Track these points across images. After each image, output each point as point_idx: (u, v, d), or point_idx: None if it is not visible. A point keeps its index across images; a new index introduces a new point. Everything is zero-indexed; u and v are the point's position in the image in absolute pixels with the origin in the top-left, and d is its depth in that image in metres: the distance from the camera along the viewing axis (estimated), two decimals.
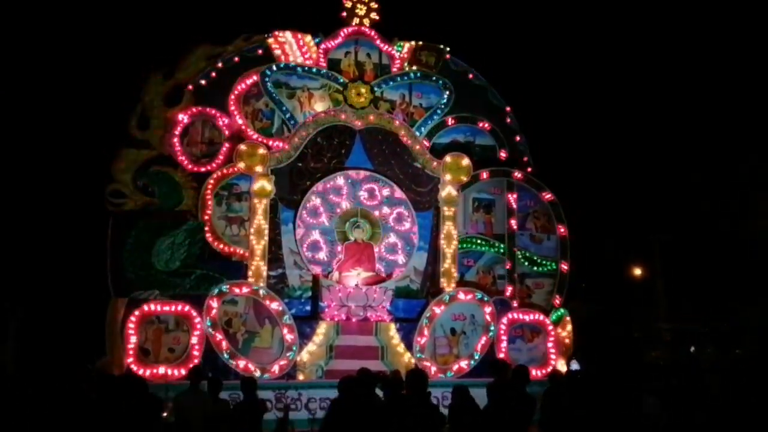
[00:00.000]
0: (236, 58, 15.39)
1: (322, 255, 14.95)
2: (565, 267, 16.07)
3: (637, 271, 25.56)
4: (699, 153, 22.31)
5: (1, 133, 15.16)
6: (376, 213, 15.35)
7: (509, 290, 15.69)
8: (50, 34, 16.37)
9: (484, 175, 15.97)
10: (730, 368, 15.03)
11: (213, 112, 14.91)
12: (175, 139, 14.55)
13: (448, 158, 15.59)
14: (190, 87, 14.92)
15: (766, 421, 6.71)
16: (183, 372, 13.12)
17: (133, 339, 13.17)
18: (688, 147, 22.36)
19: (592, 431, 5.21)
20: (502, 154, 16.37)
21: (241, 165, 14.43)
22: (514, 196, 16.12)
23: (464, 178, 15.60)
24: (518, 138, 16.76)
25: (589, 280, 22.31)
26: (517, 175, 16.13)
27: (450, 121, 16.25)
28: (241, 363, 13.55)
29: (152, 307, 13.43)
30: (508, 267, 15.81)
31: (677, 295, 23.32)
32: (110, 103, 14.87)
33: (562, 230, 16.23)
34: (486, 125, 16.36)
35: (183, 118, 14.69)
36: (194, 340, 13.46)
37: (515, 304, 15.54)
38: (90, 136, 14.78)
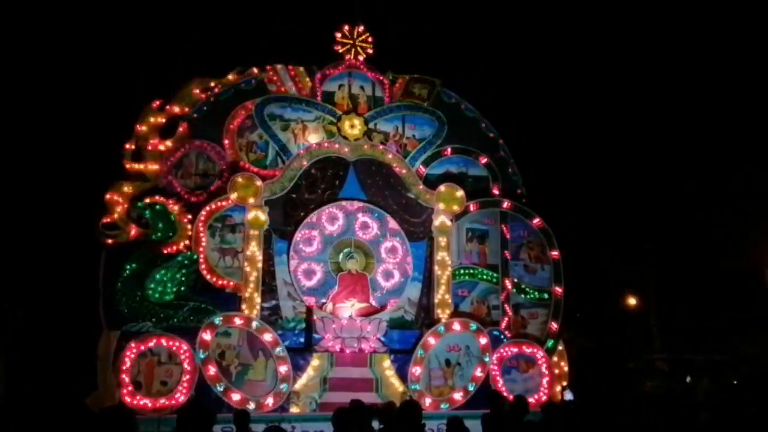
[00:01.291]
0: (230, 91, 15.50)
1: (315, 286, 14.90)
2: (559, 290, 16.02)
3: (632, 301, 25.52)
4: (691, 173, 22.47)
5: None
6: (370, 244, 15.34)
7: (504, 321, 15.62)
8: (45, 65, 16.48)
9: (472, 207, 15.95)
10: (725, 401, 14.96)
11: (207, 144, 14.96)
12: (170, 172, 14.58)
13: (442, 188, 15.68)
14: (185, 120, 14.99)
15: None
16: (177, 403, 13.04)
17: (126, 372, 13.03)
18: (681, 166, 22.50)
19: None
20: (495, 191, 16.40)
21: (234, 196, 14.46)
22: (507, 226, 16.15)
23: (457, 209, 15.66)
24: (511, 169, 16.86)
25: (584, 311, 22.27)
26: (506, 204, 16.16)
27: (448, 151, 16.32)
28: (235, 396, 13.42)
29: (145, 340, 13.30)
30: (503, 297, 15.77)
31: (673, 325, 23.29)
32: (104, 135, 14.91)
33: (555, 254, 16.23)
34: (484, 159, 16.43)
35: (177, 151, 14.71)
36: (187, 374, 13.32)
37: (508, 335, 15.47)
38: (84, 168, 14.79)
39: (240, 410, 7.46)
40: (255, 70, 15.82)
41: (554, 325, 15.88)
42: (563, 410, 6.42)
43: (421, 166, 16.04)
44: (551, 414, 5.70)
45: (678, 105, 22.59)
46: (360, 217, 15.42)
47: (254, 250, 14.49)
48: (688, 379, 22.64)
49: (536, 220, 16.25)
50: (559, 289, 16.05)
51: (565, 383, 15.23)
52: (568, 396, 6.71)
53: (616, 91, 22.88)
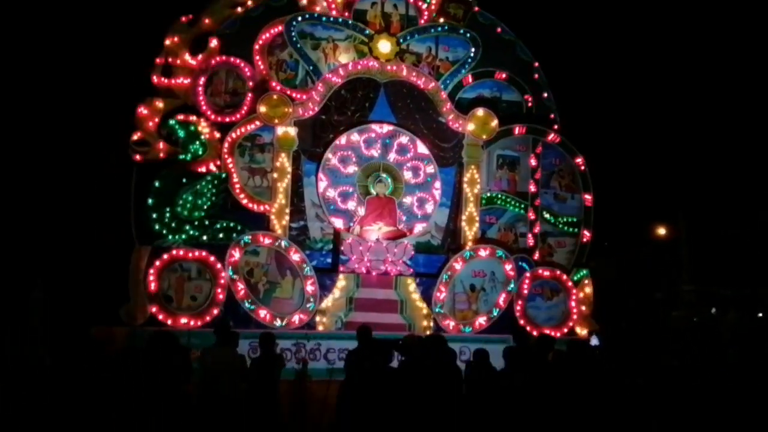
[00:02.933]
0: (261, 7, 15.15)
1: (343, 209, 14.95)
2: (587, 234, 15.93)
3: (662, 231, 25.25)
4: (733, 114, 21.77)
5: (23, 82, 15.19)
6: (399, 167, 15.25)
7: (534, 248, 15.61)
8: None
9: (516, 130, 15.73)
10: (750, 334, 14.93)
11: (237, 61, 14.77)
12: (199, 89, 14.48)
13: (478, 112, 15.40)
14: (215, 36, 14.76)
15: None
16: (206, 319, 13.42)
17: (156, 286, 13.37)
18: (722, 108, 21.80)
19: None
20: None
21: (264, 115, 14.35)
22: (538, 155, 15.91)
23: (488, 136, 15.45)
24: (545, 94, 16.47)
25: (613, 239, 22.12)
26: (551, 136, 15.89)
27: (472, 78, 15.97)
28: (262, 312, 13.74)
29: (175, 254, 13.58)
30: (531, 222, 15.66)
31: (702, 257, 23.08)
32: (134, 51, 14.76)
33: (588, 198, 16.02)
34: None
35: (207, 67, 14.56)
36: (217, 289, 13.63)
37: (533, 257, 15.49)
38: (114, 84, 14.74)
39: (265, 333, 7.61)
40: None
41: (586, 234, 15.87)
42: (586, 350, 6.40)
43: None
44: (575, 352, 5.70)
45: (716, 54, 21.67)
46: (389, 141, 15.28)
47: (284, 169, 14.50)
48: (714, 310, 22.63)
49: (556, 139, 15.95)
50: (587, 234, 15.94)
51: (591, 329, 15.13)
52: (594, 342, 6.69)
53: (657, 20, 21.99)
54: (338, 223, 14.88)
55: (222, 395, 6.57)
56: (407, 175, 15.28)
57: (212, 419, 6.54)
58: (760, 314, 23.28)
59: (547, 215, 15.89)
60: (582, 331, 15.31)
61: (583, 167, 16.10)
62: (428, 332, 14.26)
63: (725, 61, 21.55)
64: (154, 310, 13.30)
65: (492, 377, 5.80)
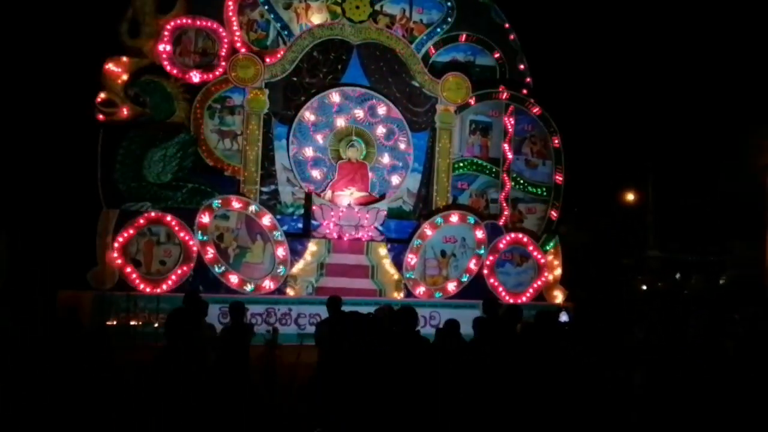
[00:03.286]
0: None
1: (315, 173, 14.82)
2: (559, 178, 16.02)
3: (630, 197, 25.54)
4: (701, 83, 21.90)
5: None
6: (371, 132, 15.13)
7: (504, 214, 15.69)
8: None
9: (471, 101, 15.58)
10: (713, 299, 15.26)
11: (206, 21, 14.39)
12: (168, 48, 14.10)
13: (448, 78, 15.28)
14: None
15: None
16: (174, 282, 13.32)
17: (124, 250, 13.20)
18: (690, 76, 21.91)
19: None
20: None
21: (234, 76, 14.08)
22: (511, 120, 15.89)
23: (461, 101, 15.35)
24: (519, 59, 16.37)
25: (581, 205, 22.32)
26: (505, 95, 15.83)
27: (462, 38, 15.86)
28: (232, 278, 13.67)
29: (143, 219, 13.40)
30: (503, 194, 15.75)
31: (667, 224, 23.44)
32: (100, 9, 14.28)
33: (559, 178, 16.08)
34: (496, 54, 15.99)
35: (175, 25, 14.16)
36: (185, 252, 13.50)
37: (503, 222, 15.58)
38: (79, 43, 14.27)
39: (235, 302, 7.54)
40: None
41: (554, 214, 15.98)
42: (554, 324, 6.45)
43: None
44: (542, 325, 5.75)
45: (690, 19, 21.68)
46: (362, 104, 15.11)
47: (254, 132, 14.29)
48: (678, 275, 23.10)
49: (536, 109, 15.95)
50: (559, 177, 16.00)
51: (560, 303, 15.19)
52: (564, 318, 6.75)
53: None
54: (310, 187, 14.74)
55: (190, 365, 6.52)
56: (380, 139, 15.13)
57: (180, 390, 6.49)
58: (722, 280, 23.84)
59: (518, 181, 15.92)
60: (557, 297, 15.50)
61: (557, 143, 16.09)
62: (399, 295, 14.39)
63: (695, 37, 21.60)
64: (123, 273, 13.13)
65: (461, 348, 5.83)
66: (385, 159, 15.17)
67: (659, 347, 5.81)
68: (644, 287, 19.91)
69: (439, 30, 15.72)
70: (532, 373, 5.30)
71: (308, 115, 14.80)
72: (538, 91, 16.52)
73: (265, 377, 8.42)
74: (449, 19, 15.66)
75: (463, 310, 14.12)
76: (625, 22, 21.75)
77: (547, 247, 15.72)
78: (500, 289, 15.19)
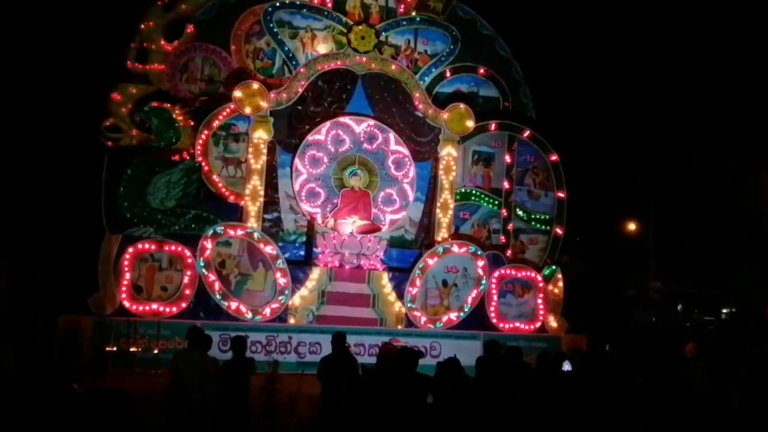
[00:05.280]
0: None
1: (318, 201, 14.87)
2: (560, 231, 16.07)
3: (632, 227, 25.53)
4: (703, 118, 22.07)
5: None
6: (375, 161, 15.20)
7: (506, 245, 15.70)
8: None
9: (492, 126, 15.74)
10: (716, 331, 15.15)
11: (213, 48, 14.55)
12: (174, 75, 14.23)
13: (451, 109, 15.37)
14: (191, 22, 14.51)
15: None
16: (174, 310, 13.30)
17: (127, 275, 13.20)
18: (691, 110, 22.07)
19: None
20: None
21: (239, 104, 14.16)
22: (514, 151, 15.97)
23: (466, 131, 15.43)
24: (522, 90, 16.49)
25: (583, 235, 22.33)
26: (526, 134, 15.94)
27: (450, 72, 15.97)
28: (233, 304, 13.65)
29: (146, 245, 13.42)
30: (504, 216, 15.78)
31: (668, 255, 23.41)
32: (109, 35, 14.43)
33: (561, 195, 16.13)
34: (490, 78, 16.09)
35: (182, 53, 14.31)
36: (187, 279, 13.50)
37: (505, 253, 15.58)
38: (87, 69, 14.43)
39: (237, 336, 7.52)
40: None
41: (558, 231, 16.02)
42: (558, 368, 6.40)
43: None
44: (545, 368, 5.74)
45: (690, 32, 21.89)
46: (366, 134, 15.20)
47: (258, 160, 14.35)
48: (679, 307, 23.02)
49: (526, 133, 16.01)
50: (560, 231, 16.07)
51: (564, 345, 15.04)
52: (566, 367, 6.68)
53: (631, 12, 22.09)
54: (312, 215, 14.77)
55: (192, 400, 6.52)
56: (383, 168, 15.19)
57: (182, 424, 6.50)
58: (725, 311, 23.77)
59: (520, 212, 15.96)
60: (553, 323, 15.47)
61: (556, 161, 16.14)
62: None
63: (700, 69, 21.80)
64: (124, 299, 13.13)
65: (462, 388, 5.79)
66: (388, 188, 15.21)
67: (659, 395, 5.77)
68: (645, 319, 19.81)
69: (441, 62, 15.84)
70: (536, 419, 5.28)
71: (312, 143, 14.87)
72: (542, 121, 16.63)
73: (266, 409, 8.42)
74: (454, 50, 15.78)
75: (464, 341, 14.19)
76: (629, 53, 21.94)
77: (547, 275, 15.69)
78: (501, 322, 15.17)
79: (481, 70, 16.09)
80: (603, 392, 5.62)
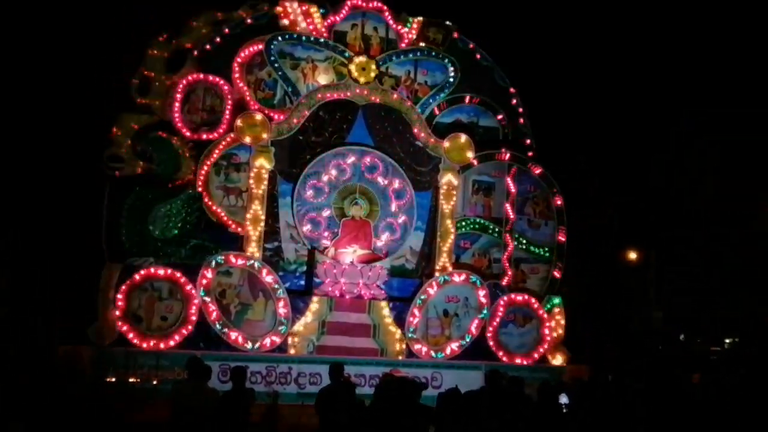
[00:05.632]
0: (241, 26, 15.10)
1: (318, 230, 14.88)
2: (557, 274, 16.06)
3: (632, 256, 25.49)
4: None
5: None
6: (375, 190, 15.25)
7: (507, 275, 15.68)
8: None
9: (474, 162, 15.75)
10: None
11: (215, 79, 14.68)
12: (176, 106, 14.35)
13: (451, 140, 15.46)
14: (194, 53, 14.68)
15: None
16: (176, 340, 13.24)
17: (126, 305, 13.15)
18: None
19: None
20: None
21: (240, 134, 14.26)
22: (514, 180, 16.03)
23: (465, 161, 15.50)
24: (522, 120, 16.62)
25: (583, 264, 22.29)
26: (507, 156, 16.00)
27: (446, 104, 16.12)
28: (233, 334, 13.57)
29: (146, 274, 13.38)
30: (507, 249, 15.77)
31: (671, 282, 23.35)
32: (111, 66, 14.62)
33: (562, 236, 16.16)
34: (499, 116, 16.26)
35: (184, 84, 14.45)
36: (188, 309, 13.44)
37: (506, 283, 15.53)
38: (90, 99, 14.58)
39: (237, 367, 7.48)
40: (266, 5, 15.37)
41: (557, 273, 15.97)
42: (555, 399, 6.36)
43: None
44: (545, 398, 5.70)
45: (691, 57, 22.21)
46: (366, 164, 15.28)
47: (259, 186, 14.39)
48: (682, 337, 22.89)
49: (537, 170, 16.09)
50: (557, 274, 16.02)
51: (564, 376, 14.95)
52: (563, 399, 6.65)
53: (631, 39, 22.37)
54: (313, 244, 14.78)
55: (193, 431, 6.47)
56: (383, 198, 15.24)
57: None
58: (728, 340, 23.63)
59: (521, 241, 15.95)
60: (554, 360, 15.38)
61: (560, 203, 16.20)
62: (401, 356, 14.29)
63: (701, 95, 22.03)
64: (123, 329, 13.07)
65: (463, 421, 5.75)
66: (388, 217, 15.24)
67: (659, 400, 5.73)
68: (649, 349, 19.71)
69: (444, 91, 15.98)
70: None
71: (313, 173, 14.94)
72: (541, 151, 16.72)
73: None
74: (453, 81, 15.92)
75: (466, 371, 14.08)
76: (628, 80, 22.19)
77: (549, 306, 15.64)
78: (501, 353, 15.10)
79: (476, 100, 16.19)
80: (604, 398, 5.57)
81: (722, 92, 21.82)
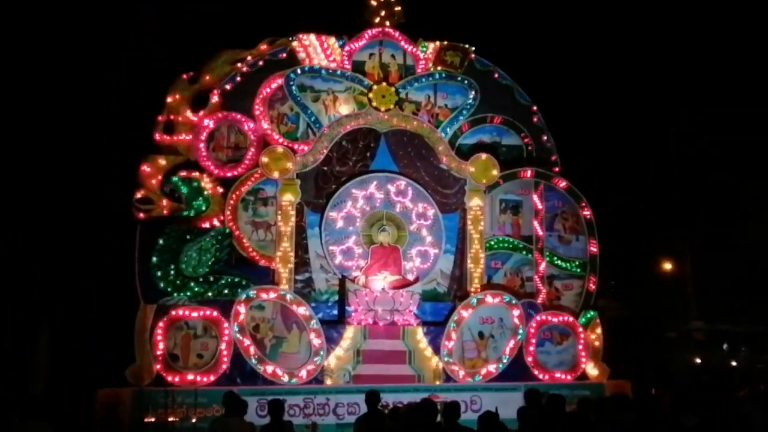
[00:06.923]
0: (261, 62, 15.34)
1: (348, 259, 14.91)
2: (593, 286, 15.87)
3: (668, 266, 25.04)
4: (737, 154, 21.96)
5: (25, 137, 15.39)
6: (402, 216, 15.26)
7: (541, 292, 15.51)
8: (76, 33, 16.48)
9: (529, 173, 15.88)
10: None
11: (238, 116, 14.91)
12: (201, 145, 14.58)
13: (475, 160, 15.46)
14: (216, 92, 14.94)
15: None
16: (212, 378, 13.27)
17: (162, 345, 13.24)
18: (725, 147, 21.99)
19: None
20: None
21: (274, 174, 14.44)
22: (541, 197, 15.92)
23: (491, 181, 15.47)
24: (545, 137, 16.56)
25: (619, 277, 21.96)
26: (529, 173, 15.95)
27: (468, 125, 16.16)
28: (269, 368, 13.58)
29: (180, 312, 13.49)
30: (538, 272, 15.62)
31: (709, 294, 22.84)
32: (136, 109, 14.94)
33: (594, 248, 15.98)
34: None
35: (209, 123, 14.69)
36: (223, 346, 13.50)
37: (540, 301, 15.35)
38: (116, 142, 14.90)
39: (274, 400, 7.47)
40: (286, 40, 15.60)
41: (592, 285, 15.78)
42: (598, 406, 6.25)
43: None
44: (585, 412, 5.58)
45: (723, 98, 22.04)
46: (392, 190, 15.31)
47: (287, 224, 14.49)
48: (725, 346, 22.31)
49: (563, 184, 15.98)
50: (593, 285, 15.85)
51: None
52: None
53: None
54: (344, 273, 14.79)
55: None
56: (411, 223, 15.23)
57: None
58: None
59: (553, 258, 15.80)
60: (593, 370, 15.12)
61: (588, 215, 16.05)
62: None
63: (725, 101, 21.79)
64: (160, 369, 13.15)
65: None
66: (417, 242, 15.21)
67: None
68: (689, 362, 19.25)
69: (464, 113, 16.01)
70: None
71: (339, 202, 15.01)
72: (567, 166, 16.62)
73: None
74: (473, 102, 15.95)
75: (505, 393, 13.86)
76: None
77: (584, 320, 15.40)
78: (539, 372, 14.88)
79: (498, 119, 16.20)
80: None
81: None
